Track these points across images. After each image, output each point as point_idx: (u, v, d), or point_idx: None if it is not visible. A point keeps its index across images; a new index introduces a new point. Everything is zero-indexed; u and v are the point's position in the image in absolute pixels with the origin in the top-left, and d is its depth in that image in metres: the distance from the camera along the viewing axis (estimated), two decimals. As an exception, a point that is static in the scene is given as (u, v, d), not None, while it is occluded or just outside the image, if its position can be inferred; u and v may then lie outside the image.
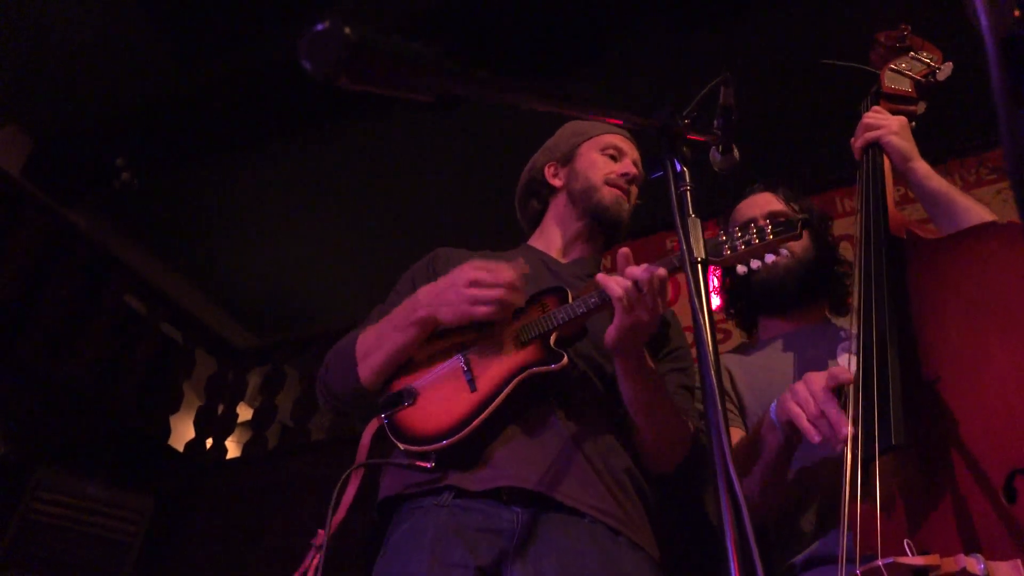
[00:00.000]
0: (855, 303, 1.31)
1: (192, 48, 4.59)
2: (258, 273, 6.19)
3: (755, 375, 1.65)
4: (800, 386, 1.24)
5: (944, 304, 1.23)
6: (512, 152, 2.04)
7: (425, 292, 1.45)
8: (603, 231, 1.77)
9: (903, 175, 1.57)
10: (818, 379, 1.23)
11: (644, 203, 1.80)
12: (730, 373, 1.68)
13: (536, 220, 1.86)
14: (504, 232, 2.06)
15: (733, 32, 4.40)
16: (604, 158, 1.77)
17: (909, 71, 1.67)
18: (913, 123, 1.66)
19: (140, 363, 4.80)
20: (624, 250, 1.35)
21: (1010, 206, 3.60)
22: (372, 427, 1.46)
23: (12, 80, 4.92)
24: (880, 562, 0.99)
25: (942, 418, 1.13)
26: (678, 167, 1.04)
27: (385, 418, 1.42)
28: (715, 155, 1.23)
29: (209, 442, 4.89)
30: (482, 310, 1.38)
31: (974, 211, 1.45)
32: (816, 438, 1.19)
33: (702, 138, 1.14)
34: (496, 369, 1.41)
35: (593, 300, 1.40)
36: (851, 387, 1.21)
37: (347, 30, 0.65)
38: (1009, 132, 0.42)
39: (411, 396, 1.43)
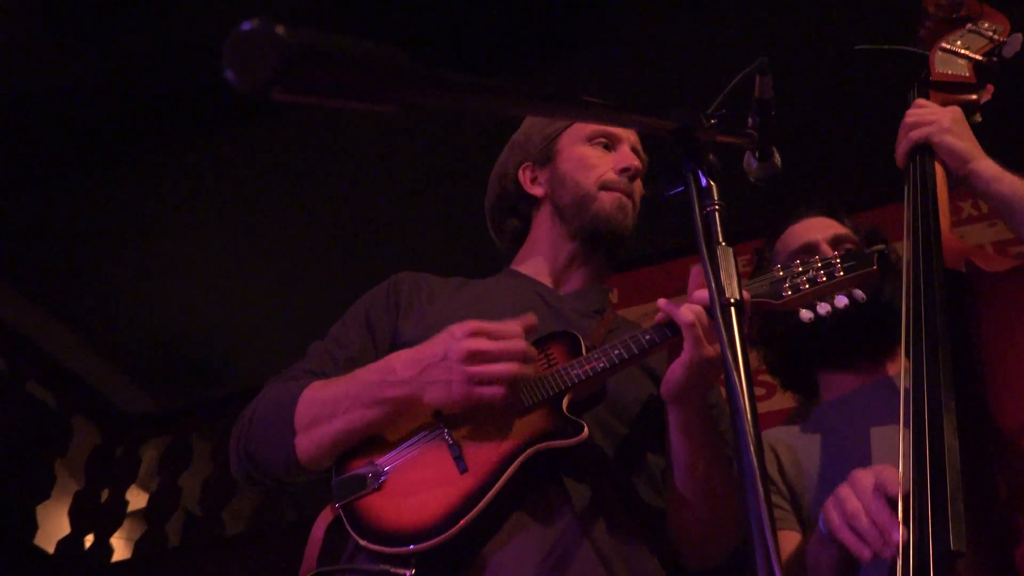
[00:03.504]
0: (903, 352, 1.34)
1: (67, 28, 4.60)
2: (155, 318, 6.17)
3: (819, 453, 1.65)
4: (844, 489, 1.27)
5: (1016, 350, 1.27)
6: (481, 157, 2.06)
7: (404, 364, 1.41)
8: (604, 250, 1.78)
9: (964, 181, 1.57)
10: (865, 479, 1.26)
11: (648, 193, 1.82)
12: (776, 455, 1.68)
13: (517, 240, 1.87)
14: (471, 262, 2.07)
15: (758, 10, 4.50)
16: (595, 150, 1.77)
17: (966, 50, 1.68)
18: (976, 115, 1.67)
19: (-3, 436, 4.74)
20: (696, 268, 1.38)
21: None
22: (325, 518, 1.43)
23: None
24: None
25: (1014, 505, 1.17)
26: (703, 181, 1.05)
27: (342, 506, 1.39)
28: (751, 162, 1.26)
29: (89, 539, 4.81)
30: (488, 392, 1.33)
31: None
32: (865, 554, 1.21)
33: (733, 141, 1.18)
34: (493, 443, 1.39)
35: (617, 352, 1.40)
36: (901, 467, 1.23)
37: (280, 30, 0.66)
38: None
39: (378, 477, 1.40)
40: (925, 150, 1.58)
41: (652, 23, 4.53)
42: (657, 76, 4.62)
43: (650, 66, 4.65)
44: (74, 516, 4.86)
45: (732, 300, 0.96)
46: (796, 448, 1.69)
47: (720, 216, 1.04)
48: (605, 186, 1.74)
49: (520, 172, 1.84)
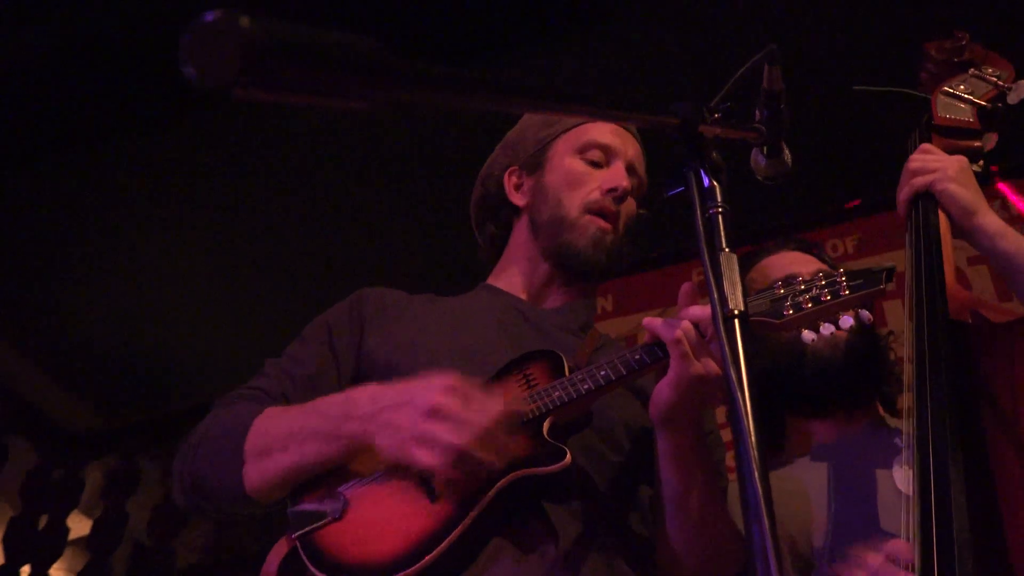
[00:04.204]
0: (907, 406, 1.37)
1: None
2: (100, 324, 6.11)
3: (826, 492, 1.70)
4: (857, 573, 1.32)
5: None
6: (466, 157, 2.06)
7: (370, 399, 1.41)
8: (579, 277, 1.79)
9: (966, 234, 1.63)
10: (874, 560, 1.33)
11: (647, 213, 1.83)
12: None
13: (495, 247, 1.88)
14: (450, 272, 2.07)
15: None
16: (583, 166, 1.80)
17: (970, 94, 1.74)
18: (979, 163, 1.73)
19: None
20: (686, 285, 1.42)
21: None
22: (279, 551, 1.43)
23: None
24: None
25: None
26: (706, 180, 1.07)
27: (298, 538, 1.39)
28: (759, 158, 1.28)
29: (25, 571, 4.73)
30: (421, 456, 1.31)
31: None
32: None
33: (740, 136, 1.19)
34: None
35: (604, 373, 1.42)
36: (910, 521, 1.25)
37: (244, 22, 0.66)
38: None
39: (339, 507, 1.41)
40: (928, 197, 1.64)
41: (649, 6, 4.54)
42: (655, 65, 4.63)
43: (647, 54, 4.66)
44: (8, 545, 4.80)
45: (736, 312, 0.96)
46: (806, 481, 1.71)
47: (724, 219, 1.05)
48: (590, 208, 1.75)
49: (506, 176, 1.86)
